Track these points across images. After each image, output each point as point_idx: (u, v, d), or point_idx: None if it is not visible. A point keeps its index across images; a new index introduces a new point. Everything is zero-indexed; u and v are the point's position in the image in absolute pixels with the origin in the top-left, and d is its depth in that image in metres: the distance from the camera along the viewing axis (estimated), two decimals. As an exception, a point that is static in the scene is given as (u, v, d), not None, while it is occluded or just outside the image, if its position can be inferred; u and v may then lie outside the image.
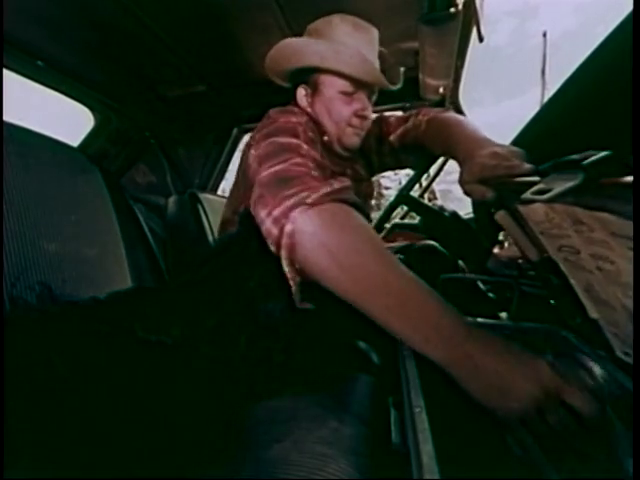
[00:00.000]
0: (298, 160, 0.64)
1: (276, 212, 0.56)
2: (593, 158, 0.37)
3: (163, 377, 0.45)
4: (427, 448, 0.30)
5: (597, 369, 0.47)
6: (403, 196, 1.14)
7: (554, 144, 0.72)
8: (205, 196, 1.66)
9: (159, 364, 0.47)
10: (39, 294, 0.51)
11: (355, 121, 0.89)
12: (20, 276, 0.53)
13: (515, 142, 0.88)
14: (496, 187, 0.63)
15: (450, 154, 0.81)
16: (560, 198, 0.39)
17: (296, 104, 0.93)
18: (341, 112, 0.88)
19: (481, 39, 1.02)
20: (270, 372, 0.53)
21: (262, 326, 0.56)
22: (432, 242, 1.39)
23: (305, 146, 0.70)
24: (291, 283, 0.59)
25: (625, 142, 0.49)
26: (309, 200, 0.54)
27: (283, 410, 0.45)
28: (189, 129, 1.92)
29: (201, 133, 1.99)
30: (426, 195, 2.28)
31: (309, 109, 0.92)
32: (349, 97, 0.88)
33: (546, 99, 0.74)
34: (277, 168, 0.63)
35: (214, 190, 2.08)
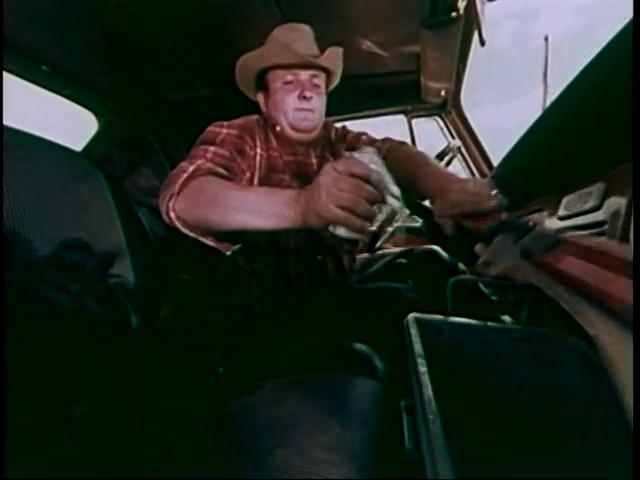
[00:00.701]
0: (183, 164, 0.83)
1: (163, 209, 0.76)
2: (530, 236, 0.39)
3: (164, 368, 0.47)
4: (442, 456, 0.29)
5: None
6: (405, 200, 1.14)
7: (538, 170, 0.74)
8: (207, 199, 1.66)
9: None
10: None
11: (299, 103, 0.97)
12: (25, 281, 0.53)
13: (504, 163, 0.88)
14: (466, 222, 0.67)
15: (415, 187, 0.86)
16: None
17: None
18: (285, 99, 0.98)
19: (483, 43, 1.02)
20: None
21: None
22: (433, 247, 1.39)
23: (212, 148, 0.87)
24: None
25: (610, 163, 0.50)
26: (175, 191, 0.75)
27: (285, 415, 0.45)
28: (192, 133, 1.92)
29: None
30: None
31: (265, 109, 1.05)
32: (291, 85, 0.97)
33: (548, 103, 0.74)
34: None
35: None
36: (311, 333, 0.95)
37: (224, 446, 0.42)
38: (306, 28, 1.02)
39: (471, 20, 1.08)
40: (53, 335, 0.47)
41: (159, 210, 0.80)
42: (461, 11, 1.03)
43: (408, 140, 1.90)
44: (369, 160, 0.58)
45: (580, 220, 0.66)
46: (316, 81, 0.99)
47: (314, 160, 1.07)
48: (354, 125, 1.27)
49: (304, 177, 1.01)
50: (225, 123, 0.97)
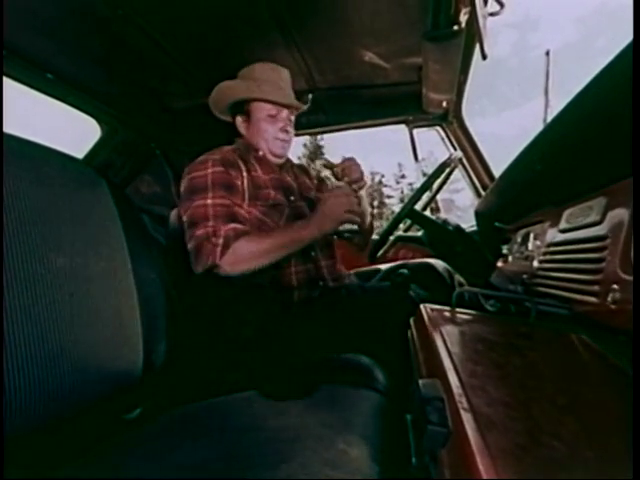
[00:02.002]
0: (199, 232, 0.98)
1: (211, 265, 0.96)
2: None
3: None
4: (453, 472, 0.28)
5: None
6: (408, 210, 1.14)
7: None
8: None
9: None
10: None
11: (280, 135, 1.17)
12: (26, 291, 0.53)
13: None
14: None
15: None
16: None
17: (237, 131, 1.22)
18: (268, 130, 1.16)
19: (484, 57, 1.03)
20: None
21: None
22: (428, 260, 1.41)
23: (210, 201, 0.99)
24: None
25: (610, 178, 0.51)
26: (216, 260, 0.94)
27: (288, 429, 0.45)
28: (194, 140, 1.94)
29: (206, 144, 2.00)
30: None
31: (244, 132, 1.20)
32: (274, 118, 1.16)
33: (549, 116, 0.75)
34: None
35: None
36: (312, 341, 0.96)
37: (227, 459, 0.42)
38: (286, 71, 1.19)
39: (473, 33, 1.09)
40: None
41: (161, 218, 0.81)
42: (463, 24, 1.04)
43: (409, 148, 1.91)
44: (345, 187, 1.02)
45: (582, 233, 0.66)
46: (292, 117, 1.20)
47: (289, 178, 1.24)
48: (356, 134, 1.29)
49: (284, 189, 1.17)
50: (209, 162, 1.06)
